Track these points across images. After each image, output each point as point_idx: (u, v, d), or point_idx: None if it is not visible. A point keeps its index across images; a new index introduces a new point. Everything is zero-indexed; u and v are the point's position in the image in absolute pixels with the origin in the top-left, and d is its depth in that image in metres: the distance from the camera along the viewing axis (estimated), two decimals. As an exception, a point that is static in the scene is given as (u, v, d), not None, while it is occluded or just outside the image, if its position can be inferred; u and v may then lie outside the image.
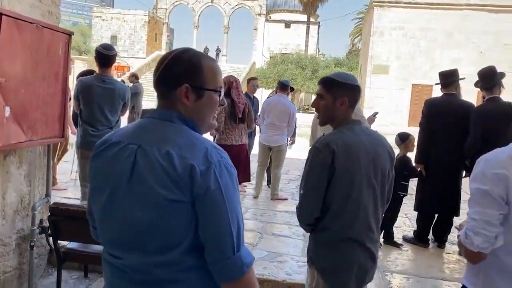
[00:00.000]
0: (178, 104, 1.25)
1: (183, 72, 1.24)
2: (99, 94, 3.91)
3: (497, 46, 18.96)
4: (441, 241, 4.39)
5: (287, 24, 45.22)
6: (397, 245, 4.35)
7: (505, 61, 19.18)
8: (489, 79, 4.22)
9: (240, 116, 4.75)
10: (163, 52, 45.12)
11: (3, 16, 2.42)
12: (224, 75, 5.77)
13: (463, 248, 1.57)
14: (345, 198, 1.89)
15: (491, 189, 1.47)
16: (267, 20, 45.30)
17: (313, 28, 44.41)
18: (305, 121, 14.39)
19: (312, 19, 43.04)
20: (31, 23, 2.76)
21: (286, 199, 5.82)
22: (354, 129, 1.96)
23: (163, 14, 47.38)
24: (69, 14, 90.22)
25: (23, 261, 3.23)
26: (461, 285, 1.76)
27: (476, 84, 4.43)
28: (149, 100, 15.39)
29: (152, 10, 46.92)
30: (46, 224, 3.13)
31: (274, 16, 47.08)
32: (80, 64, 22.11)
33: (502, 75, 4.18)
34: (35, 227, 3.11)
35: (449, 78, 4.41)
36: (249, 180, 5.48)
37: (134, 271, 1.22)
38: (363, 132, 1.99)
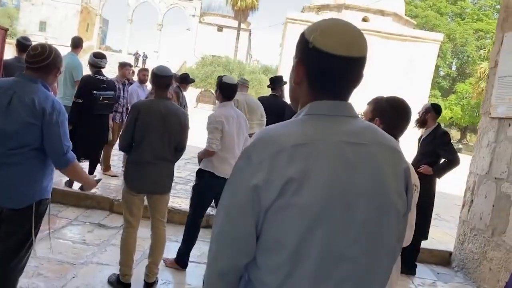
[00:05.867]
0: (47, 76, 2.33)
1: (58, 62, 2.37)
2: (16, 70, 5.40)
3: (386, 67, 22.25)
4: None
5: (220, 28, 47.28)
6: None
7: (391, 81, 22.53)
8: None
9: None
10: (93, 42, 45.04)
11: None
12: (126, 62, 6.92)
13: None
14: None
15: None
16: (200, 22, 47.00)
17: (245, 35, 46.85)
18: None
19: (244, 26, 45.43)
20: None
21: None
22: None
23: (97, 5, 47.31)
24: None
25: None
26: None
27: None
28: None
29: (86, 0, 46.70)
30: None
31: (207, 19, 48.89)
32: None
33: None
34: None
35: (275, 83, 6.34)
36: None
37: (1, 156, 2.23)
38: None
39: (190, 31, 47.11)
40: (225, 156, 3.68)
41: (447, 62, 37.56)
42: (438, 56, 32.44)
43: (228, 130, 3.67)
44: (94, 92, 5.27)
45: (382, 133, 1.11)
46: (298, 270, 0.98)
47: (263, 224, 1.00)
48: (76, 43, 6.21)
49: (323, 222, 0.97)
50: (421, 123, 4.44)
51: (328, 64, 1.04)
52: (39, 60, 2.28)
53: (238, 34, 43.50)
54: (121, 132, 3.41)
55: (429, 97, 26.57)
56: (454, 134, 44.09)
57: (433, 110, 4.40)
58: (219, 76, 3.97)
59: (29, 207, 2.30)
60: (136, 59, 40.62)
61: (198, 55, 44.87)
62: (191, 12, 46.94)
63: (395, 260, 1.12)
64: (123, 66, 6.76)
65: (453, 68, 40.01)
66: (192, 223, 3.90)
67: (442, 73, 38.26)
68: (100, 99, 5.32)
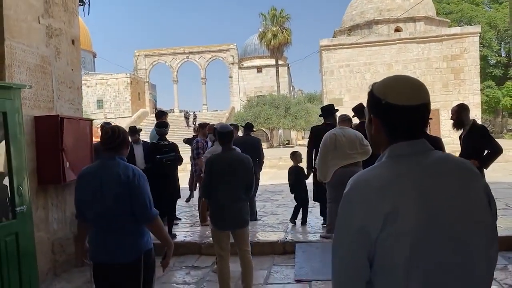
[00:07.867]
0: (121, 151, 2.77)
1: (127, 137, 2.86)
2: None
3: (430, 70, 22.16)
4: None
5: (259, 69, 48.94)
6: None
7: (438, 81, 22.37)
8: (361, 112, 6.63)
9: None
10: (147, 108, 48.07)
11: (65, 119, 5.09)
12: (205, 122, 8.04)
13: None
14: None
15: None
16: (240, 68, 48.98)
17: (284, 69, 48.09)
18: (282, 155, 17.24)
19: (281, 61, 46.78)
20: (74, 119, 5.44)
21: None
22: None
23: (144, 74, 50.60)
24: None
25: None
26: None
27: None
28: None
29: (133, 71, 49.99)
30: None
31: (246, 63, 50.88)
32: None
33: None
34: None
35: (326, 112, 6.86)
36: None
37: (107, 225, 2.69)
38: None
39: (232, 77, 49.14)
40: None
41: (495, 50, 36.33)
42: (483, 46, 31.63)
43: None
44: (158, 156, 6.18)
45: (457, 159, 1.30)
46: (411, 285, 1.15)
47: (375, 253, 1.17)
48: (156, 118, 7.34)
49: (422, 241, 1.14)
50: (456, 124, 4.85)
51: (401, 113, 1.25)
52: (113, 141, 2.72)
53: (277, 71, 44.80)
54: (201, 183, 4.15)
55: (481, 89, 25.79)
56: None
57: (462, 108, 4.83)
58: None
59: (139, 259, 2.69)
60: (187, 118, 42.61)
61: (244, 98, 46.49)
62: (230, 61, 49.09)
63: (491, 262, 1.24)
64: (203, 127, 7.53)
65: (503, 54, 38.53)
66: None
67: (492, 62, 36.97)
68: (163, 161, 6.20)
